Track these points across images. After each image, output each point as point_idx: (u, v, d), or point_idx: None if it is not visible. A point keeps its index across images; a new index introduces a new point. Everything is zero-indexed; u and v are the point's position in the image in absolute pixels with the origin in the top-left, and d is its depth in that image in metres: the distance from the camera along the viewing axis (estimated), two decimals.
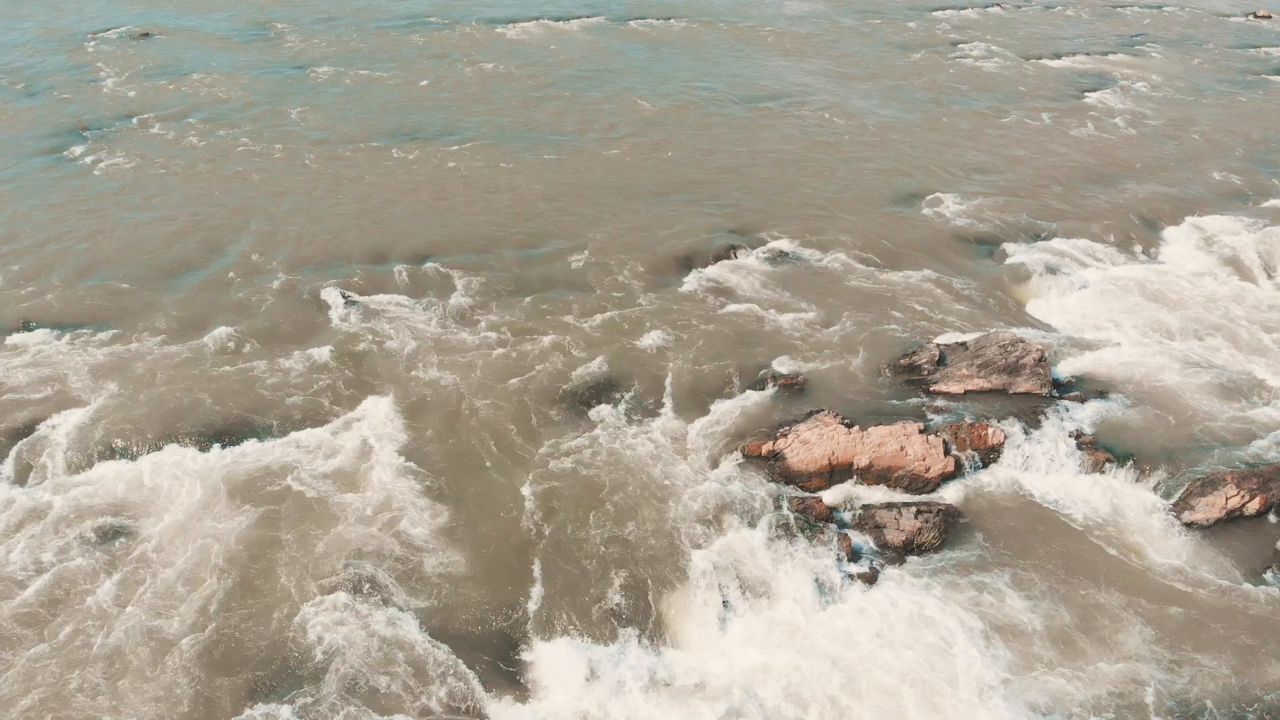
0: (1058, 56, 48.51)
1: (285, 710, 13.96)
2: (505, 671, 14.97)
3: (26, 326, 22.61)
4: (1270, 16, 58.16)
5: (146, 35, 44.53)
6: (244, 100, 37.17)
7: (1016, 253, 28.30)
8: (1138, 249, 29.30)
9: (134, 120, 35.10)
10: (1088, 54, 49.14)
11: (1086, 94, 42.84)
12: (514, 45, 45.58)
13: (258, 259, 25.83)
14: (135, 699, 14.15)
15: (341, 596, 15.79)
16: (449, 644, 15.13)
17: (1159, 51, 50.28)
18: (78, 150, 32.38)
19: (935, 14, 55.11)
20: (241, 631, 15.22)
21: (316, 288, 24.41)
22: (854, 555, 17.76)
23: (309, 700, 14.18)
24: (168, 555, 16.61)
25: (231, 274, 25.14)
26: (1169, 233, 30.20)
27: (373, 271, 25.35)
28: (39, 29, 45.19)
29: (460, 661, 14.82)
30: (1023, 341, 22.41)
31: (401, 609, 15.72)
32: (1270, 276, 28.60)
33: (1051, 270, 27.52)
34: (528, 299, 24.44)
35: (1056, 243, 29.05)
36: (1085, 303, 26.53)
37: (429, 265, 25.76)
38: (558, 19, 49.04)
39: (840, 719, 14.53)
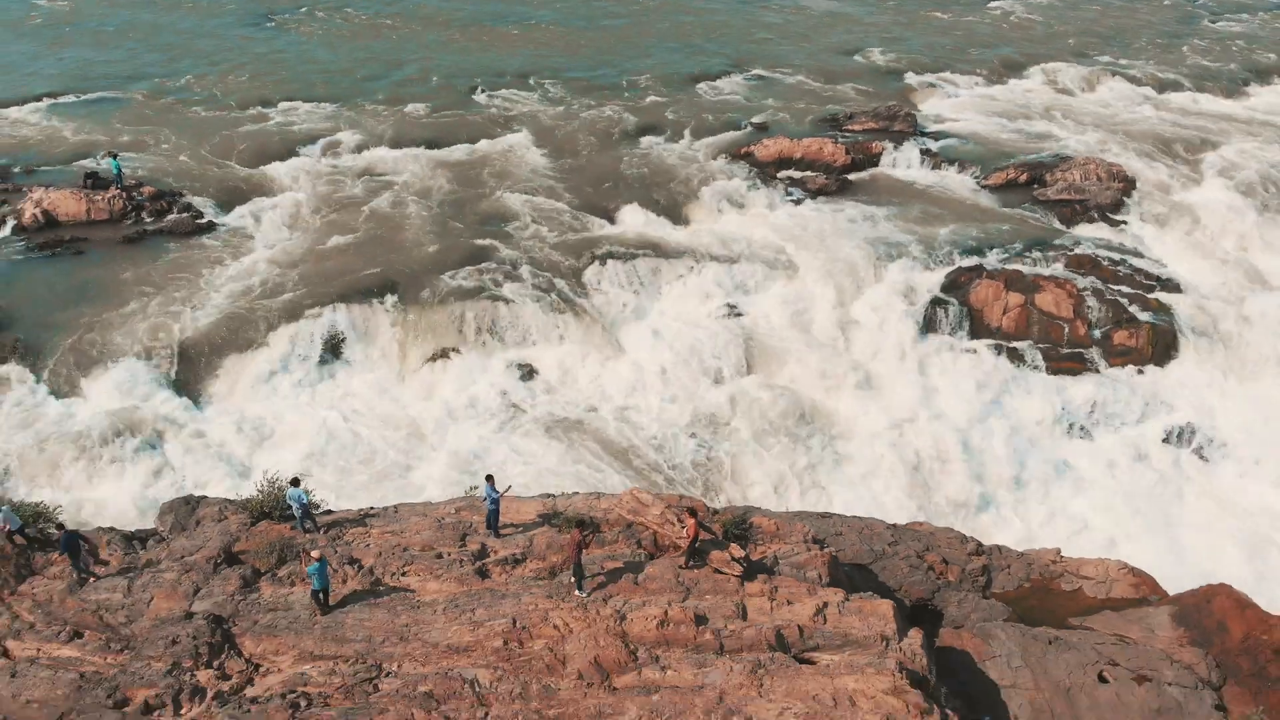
0: None
1: (509, 225, 28.48)
2: (605, 218, 29.60)
3: (289, 98, 37.10)
4: None
5: None
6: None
7: (915, 78, 42.67)
8: (1000, 79, 43.57)
9: (303, 9, 49.55)
10: None
11: (991, 3, 57.06)
12: None
13: (420, 76, 40.34)
14: (411, 231, 28.60)
15: (523, 195, 30.27)
16: (577, 209, 29.71)
17: None
18: (272, 23, 46.92)
19: None
20: (465, 203, 29.75)
21: (463, 86, 38.95)
22: (789, 194, 32.18)
23: (513, 225, 28.66)
24: (415, 186, 31.05)
25: (405, 83, 39.65)
26: (1024, 71, 44.50)
27: (496, 80, 39.90)
28: None
29: (582, 213, 29.46)
30: (899, 104, 36.82)
31: (549, 198, 30.23)
32: (1086, 92, 42.88)
33: (935, 86, 41.89)
34: (594, 91, 38.96)
35: (945, 74, 43.38)
36: (955, 103, 40.91)
37: (531, 79, 40.22)
38: None
39: (775, 248, 28.99)
